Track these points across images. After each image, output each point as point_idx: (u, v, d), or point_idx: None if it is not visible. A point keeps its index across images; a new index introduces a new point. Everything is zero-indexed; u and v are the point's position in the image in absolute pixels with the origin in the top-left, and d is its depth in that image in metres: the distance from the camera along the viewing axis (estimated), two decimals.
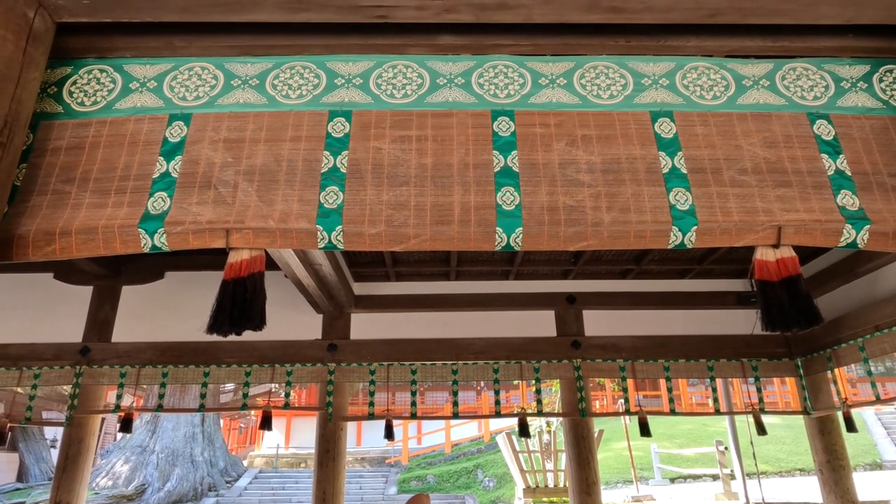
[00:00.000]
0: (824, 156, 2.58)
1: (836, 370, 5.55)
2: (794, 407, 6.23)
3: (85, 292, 6.37)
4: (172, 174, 2.33)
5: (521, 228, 2.29)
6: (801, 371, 6.05)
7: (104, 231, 2.15)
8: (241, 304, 2.19)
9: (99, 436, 20.86)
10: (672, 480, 12.79)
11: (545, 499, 8.55)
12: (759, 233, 2.35)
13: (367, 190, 2.31)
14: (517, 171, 2.39)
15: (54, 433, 17.70)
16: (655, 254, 5.97)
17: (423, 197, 2.30)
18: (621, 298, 6.45)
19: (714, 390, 6.17)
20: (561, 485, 8.59)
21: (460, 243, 2.26)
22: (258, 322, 2.24)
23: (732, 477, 8.26)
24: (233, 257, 2.24)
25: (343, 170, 2.39)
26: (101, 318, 6.23)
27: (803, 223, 2.33)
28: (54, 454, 16.10)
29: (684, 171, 2.46)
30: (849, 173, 2.53)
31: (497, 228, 2.29)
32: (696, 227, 2.35)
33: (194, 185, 2.29)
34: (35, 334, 6.11)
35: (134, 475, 15.92)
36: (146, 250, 2.16)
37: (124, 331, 6.21)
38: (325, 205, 2.32)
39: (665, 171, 2.48)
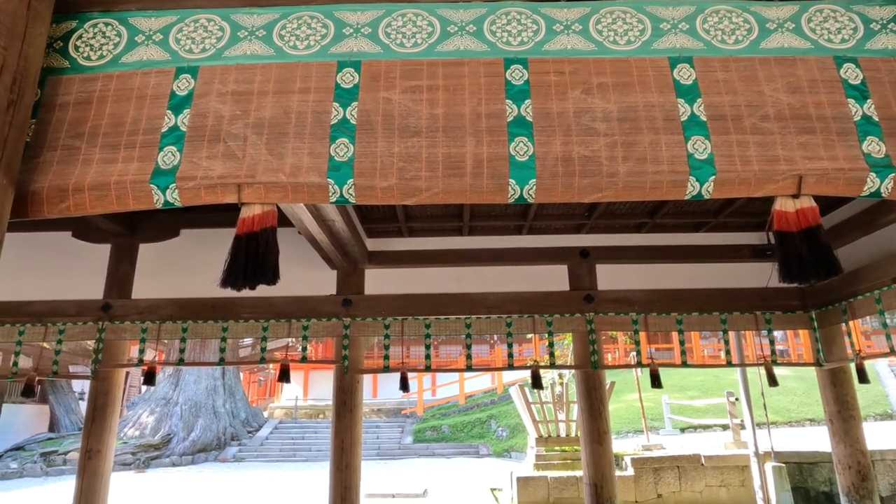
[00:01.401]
0: (851, 101, 2.48)
1: (850, 322, 5.52)
2: (807, 359, 6.25)
3: (103, 250, 6.46)
4: (181, 128, 2.32)
5: (534, 180, 2.25)
6: (816, 324, 6.03)
7: (116, 187, 2.15)
8: (254, 258, 2.20)
9: (124, 389, 21.56)
10: (682, 430, 13.02)
11: (557, 448, 8.76)
12: (779, 182, 2.28)
13: (378, 142, 2.28)
14: (531, 120, 2.33)
15: (82, 386, 18.33)
16: (670, 206, 5.89)
17: (434, 148, 2.27)
18: (635, 252, 6.41)
19: (727, 343, 6.18)
20: (573, 434, 8.78)
21: (473, 196, 2.23)
22: (271, 276, 2.25)
23: (742, 427, 8.37)
24: (245, 212, 2.24)
25: (353, 121, 2.35)
26: (120, 275, 6.34)
27: (826, 172, 2.26)
28: (83, 406, 16.70)
29: (703, 118, 2.38)
30: (876, 119, 2.43)
31: (510, 180, 2.25)
32: (714, 177, 2.29)
33: (203, 138, 2.28)
34: (57, 292, 6.25)
35: (159, 426, 16.52)
36: (159, 206, 2.17)
37: (144, 288, 6.32)
38: (336, 158, 2.30)
39: (683, 118, 2.40)
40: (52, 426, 17.44)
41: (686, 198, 2.28)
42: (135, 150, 2.27)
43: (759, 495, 7.28)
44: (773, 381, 5.85)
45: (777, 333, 6.12)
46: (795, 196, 2.25)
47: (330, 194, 2.24)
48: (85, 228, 6.40)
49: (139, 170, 2.19)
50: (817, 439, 9.05)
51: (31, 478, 13.13)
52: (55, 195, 2.17)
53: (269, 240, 2.22)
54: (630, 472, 7.87)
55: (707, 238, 6.44)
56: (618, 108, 2.37)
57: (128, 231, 6.40)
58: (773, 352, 6.00)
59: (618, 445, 8.00)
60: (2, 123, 2.05)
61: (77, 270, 6.40)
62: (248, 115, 2.36)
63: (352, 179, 2.22)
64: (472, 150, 2.26)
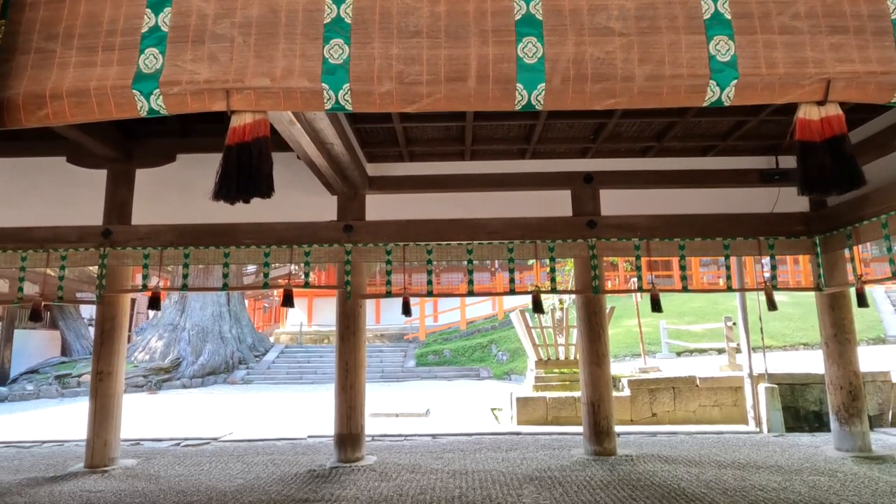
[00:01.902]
0: None
1: (854, 248, 5.50)
2: (806, 284, 6.27)
3: (100, 176, 6.37)
4: (162, 28, 2.16)
5: (543, 84, 2.10)
6: (819, 249, 6.01)
7: (96, 93, 2.04)
8: (246, 170, 2.10)
9: (131, 315, 22.01)
10: (678, 355, 13.34)
11: (556, 370, 8.99)
12: (805, 87, 2.14)
13: (375, 43, 2.13)
14: (540, 18, 2.15)
15: (90, 312, 18.66)
16: (679, 129, 5.73)
17: (436, 49, 2.11)
18: (640, 177, 6.31)
19: (728, 268, 6.19)
20: (572, 358, 8.98)
21: (477, 102, 2.10)
22: (265, 189, 2.16)
23: (738, 350, 8.54)
24: (235, 121, 2.12)
25: (348, 20, 2.19)
26: (118, 201, 6.28)
27: (856, 75, 2.12)
28: (92, 332, 17.03)
29: (728, 16, 2.21)
30: None
31: (517, 85, 2.10)
32: (735, 80, 2.15)
33: (187, 39, 2.13)
34: (57, 218, 6.22)
35: (168, 350, 16.95)
36: (143, 114, 2.05)
37: (143, 214, 6.28)
38: (330, 60, 2.14)
39: (707, 16, 2.23)
40: (64, 351, 17.92)
41: (704, 104, 2.16)
42: (114, 52, 2.12)
43: (750, 414, 7.53)
44: (772, 305, 5.90)
45: (777, 259, 6.11)
46: (821, 103, 2.13)
47: (325, 100, 2.12)
48: (79, 153, 6.27)
49: (120, 74, 2.07)
50: (810, 362, 9.26)
51: (48, 399, 13.63)
52: (32, 102, 2.06)
53: (261, 150, 2.13)
54: (626, 392, 8.11)
55: (714, 162, 6.31)
56: (635, 5, 2.19)
57: (123, 156, 6.28)
58: (773, 277, 6.02)
59: (615, 368, 8.20)
60: None
61: (75, 196, 6.34)
62: (233, 14, 2.19)
63: (347, 84, 2.10)
64: (476, 52, 2.11)
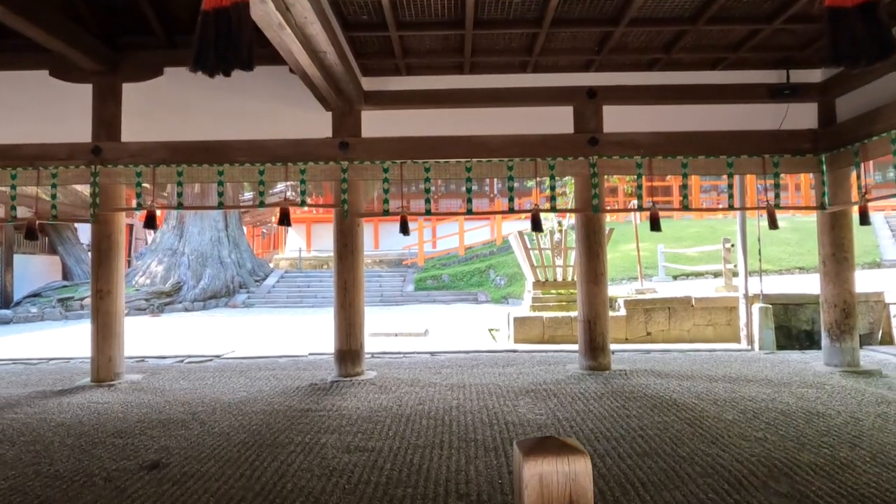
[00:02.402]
0: None
1: (861, 165, 5.39)
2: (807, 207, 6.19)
3: (85, 90, 6.14)
4: None
5: None
6: (825, 167, 5.90)
7: None
8: (225, 37, 1.93)
9: (130, 240, 22.05)
10: (675, 278, 13.48)
11: (553, 291, 9.08)
12: None
13: None
14: None
15: (89, 239, 18.70)
16: (688, 40, 5.47)
17: None
18: (645, 92, 6.09)
19: (730, 187, 6.10)
20: (569, 279, 9.05)
21: None
22: (246, 58, 1.99)
23: (735, 273, 8.59)
24: None
25: None
26: (106, 117, 6.09)
27: None
28: None
29: None
30: None
31: None
32: None
33: None
34: (44, 135, 6.04)
35: (169, 275, 17.09)
36: None
37: (133, 131, 6.10)
38: None
39: None
40: (65, 276, 18.06)
41: None
42: None
43: (743, 333, 7.67)
44: (773, 224, 5.86)
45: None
46: None
47: None
48: (63, 66, 6.01)
49: None
50: (804, 284, 9.35)
51: (52, 321, 13.85)
52: None
53: (241, 17, 1.96)
54: (622, 312, 8.23)
55: (723, 77, 6.08)
56: None
57: (108, 69, 6.03)
58: (776, 195, 5.94)
59: (612, 290, 8.27)
60: None
61: (62, 112, 6.14)
62: None
63: None
64: None
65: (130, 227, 21.43)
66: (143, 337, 9.83)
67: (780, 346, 7.47)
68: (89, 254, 18.50)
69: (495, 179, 24.10)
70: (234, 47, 1.92)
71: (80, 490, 2.99)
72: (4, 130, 6.11)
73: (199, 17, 1.96)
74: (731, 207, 6.19)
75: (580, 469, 0.87)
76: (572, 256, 8.84)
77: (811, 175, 6.19)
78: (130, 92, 6.18)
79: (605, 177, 6.29)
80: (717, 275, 11.96)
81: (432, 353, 7.51)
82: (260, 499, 2.86)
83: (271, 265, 21.96)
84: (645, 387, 5.24)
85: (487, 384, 5.48)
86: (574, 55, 5.84)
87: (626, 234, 14.72)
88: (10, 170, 5.98)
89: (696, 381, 5.44)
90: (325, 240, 22.40)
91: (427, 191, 6.05)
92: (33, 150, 5.99)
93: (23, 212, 6.40)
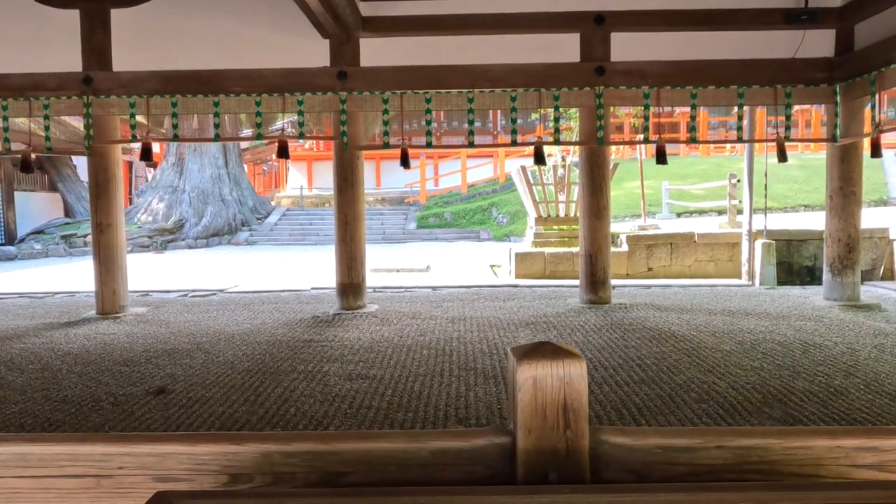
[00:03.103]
0: None
1: (877, 95, 5.21)
2: (816, 146, 6.05)
3: (72, 16, 5.89)
4: None
5: None
6: (839, 97, 5.71)
7: None
8: None
9: (129, 177, 21.88)
10: (678, 215, 13.41)
11: (555, 227, 9.04)
12: None
13: None
14: None
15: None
16: None
17: None
18: (655, 18, 5.83)
19: (740, 118, 5.95)
20: (572, 215, 8.99)
21: None
22: None
23: (739, 210, 8.52)
24: None
25: None
26: (95, 44, 5.87)
27: None
28: None
29: None
30: None
31: None
32: None
33: None
34: (32, 64, 5.86)
35: (170, 212, 17.05)
36: None
37: (124, 60, 5.90)
38: None
39: None
40: (67, 213, 18.03)
41: None
42: None
43: (744, 268, 7.68)
44: (783, 156, 5.74)
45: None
46: None
47: None
48: None
49: None
50: (809, 222, 9.29)
51: (56, 257, 13.94)
52: None
53: None
54: (624, 248, 8.22)
55: (737, 1, 5.79)
56: None
57: None
58: (787, 127, 5.79)
59: (615, 227, 8.22)
60: None
61: (50, 40, 5.94)
62: None
63: None
64: None
65: (129, 164, 21.22)
66: (147, 273, 9.90)
67: (781, 282, 7.49)
68: None
69: (498, 115, 23.61)
70: None
71: (88, 413, 3.06)
72: None
73: None
74: (739, 140, 6.05)
75: (575, 372, 0.84)
76: (575, 192, 8.74)
77: (822, 110, 6.02)
78: (120, 19, 5.92)
79: (612, 110, 6.12)
80: (721, 212, 11.87)
81: (434, 288, 7.56)
82: (263, 422, 2.92)
83: (273, 203, 21.87)
84: (644, 319, 5.29)
85: (488, 317, 5.53)
86: None
87: (630, 172, 14.52)
88: (0, 101, 5.83)
89: (696, 315, 5.49)
90: (326, 178, 22.19)
91: (428, 122, 5.90)
92: (22, 80, 5.82)
93: (16, 146, 6.30)
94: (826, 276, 6.11)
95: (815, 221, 8.09)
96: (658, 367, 3.76)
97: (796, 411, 2.93)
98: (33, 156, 6.05)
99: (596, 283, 6.03)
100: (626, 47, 5.84)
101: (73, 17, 5.91)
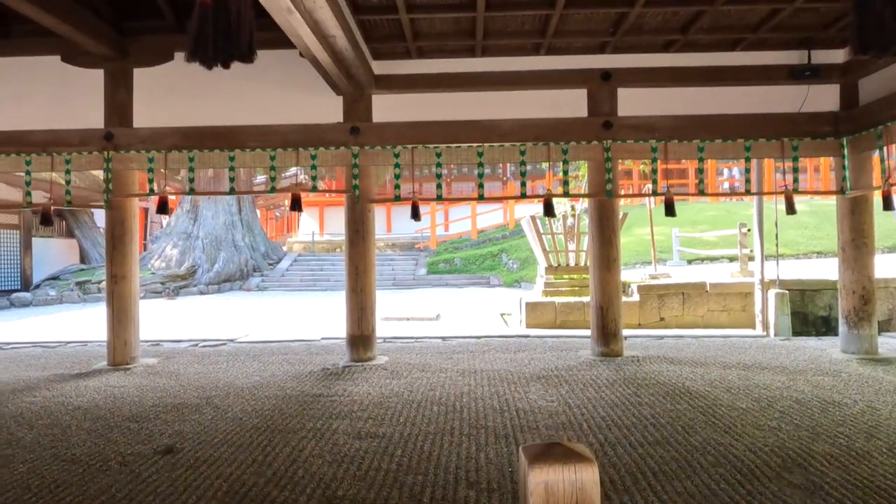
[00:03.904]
0: None
1: (885, 148, 5.25)
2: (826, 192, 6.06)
3: (97, 76, 6.14)
4: None
5: None
6: (846, 150, 5.75)
7: None
8: (224, 28, 1.87)
9: (145, 224, 22.26)
10: (689, 262, 13.33)
11: (566, 276, 9.03)
12: None
13: None
14: None
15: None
16: (706, 20, 5.33)
17: None
18: (661, 74, 5.97)
19: (748, 171, 5.99)
20: (582, 264, 8.99)
21: None
22: (247, 51, 1.92)
23: (751, 258, 8.48)
24: None
25: None
26: (118, 102, 6.09)
27: None
28: None
29: None
30: None
31: None
32: None
33: None
34: (57, 121, 6.07)
35: (184, 258, 17.25)
36: None
37: (144, 116, 6.11)
38: None
39: None
40: (83, 259, 18.29)
41: None
42: None
43: (758, 319, 7.58)
44: (791, 209, 5.75)
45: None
46: None
47: None
48: (73, 52, 6.01)
49: None
50: (822, 269, 9.21)
51: (70, 304, 14.07)
52: None
53: (240, 7, 1.90)
54: (636, 297, 8.17)
55: (741, 58, 5.93)
56: None
57: (119, 54, 6.01)
58: (795, 180, 5.82)
59: (625, 275, 8.20)
60: None
61: (74, 98, 6.15)
62: None
63: None
64: None
65: (145, 210, 21.63)
66: (158, 320, 9.95)
67: (797, 333, 7.38)
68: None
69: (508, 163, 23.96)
70: (234, 40, 1.87)
71: (95, 474, 3.04)
72: (18, 116, 6.14)
73: (195, 9, 1.91)
74: (748, 192, 6.09)
75: (587, 478, 0.84)
76: (585, 241, 8.76)
77: (832, 158, 6.05)
78: (142, 77, 6.16)
79: (620, 160, 6.19)
80: (732, 259, 11.81)
81: (444, 338, 7.52)
82: (272, 485, 2.88)
83: (284, 248, 22.08)
84: (657, 374, 5.21)
85: (499, 370, 5.47)
86: (588, 37, 5.72)
87: (640, 218, 14.56)
88: (24, 156, 6.02)
89: (710, 368, 5.40)
90: (337, 223, 22.44)
91: (438, 175, 6.00)
92: (45, 137, 6.02)
93: (38, 196, 6.46)
94: (842, 328, 6.02)
95: (829, 269, 8.02)
96: (673, 426, 3.68)
97: (817, 477, 2.84)
98: (53, 208, 6.18)
99: (607, 335, 5.97)
100: (633, 102, 5.96)
101: (97, 76, 6.15)
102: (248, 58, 1.92)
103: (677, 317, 8.11)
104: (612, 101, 5.96)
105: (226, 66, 1.94)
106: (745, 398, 4.33)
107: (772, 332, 7.32)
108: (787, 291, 7.41)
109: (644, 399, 4.35)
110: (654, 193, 6.10)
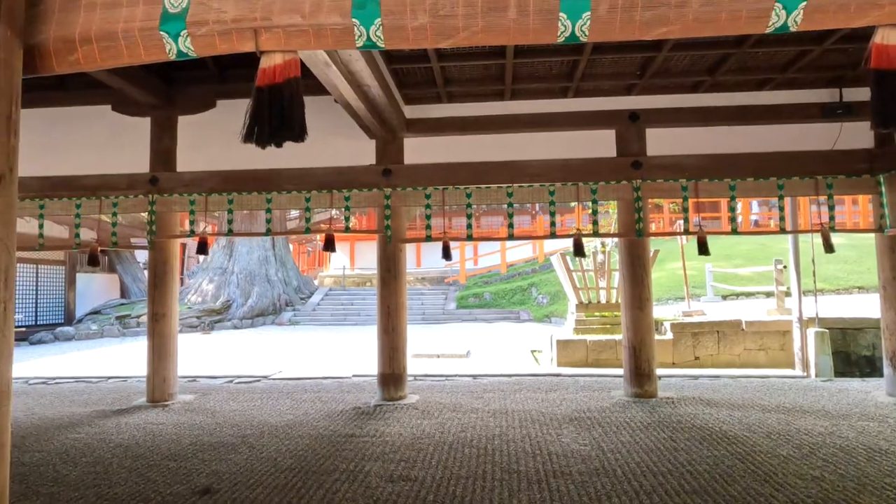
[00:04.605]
0: None
1: None
2: (865, 226, 5.95)
3: (144, 124, 6.48)
4: None
5: (588, 13, 1.91)
6: (883, 188, 5.66)
7: (124, 35, 1.98)
8: (278, 112, 2.03)
9: (183, 259, 22.89)
10: (724, 298, 13.05)
11: (597, 314, 8.95)
12: (884, 7, 1.90)
13: None
14: None
15: (145, 256, 19.51)
16: (733, 62, 5.38)
17: None
18: (689, 114, 6.00)
19: (781, 209, 5.93)
20: (613, 301, 8.91)
21: (517, 35, 1.95)
22: (298, 132, 2.09)
23: (788, 294, 8.29)
24: (265, 62, 2.05)
25: None
26: (163, 148, 6.39)
27: None
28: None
29: None
30: None
31: (560, 14, 1.92)
32: (805, 2, 1.91)
33: None
34: (106, 166, 6.40)
35: (219, 293, 17.65)
36: (172, 57, 2.01)
37: (187, 161, 6.39)
38: None
39: None
40: (123, 293, 18.88)
41: (767, 30, 1.95)
42: None
43: (797, 358, 7.37)
44: (829, 247, 5.65)
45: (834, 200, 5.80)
46: None
47: (356, 37, 2.01)
48: (123, 101, 6.37)
49: (146, 15, 2.01)
50: (864, 306, 8.93)
51: (111, 338, 14.49)
52: (62, 47, 2.03)
53: (293, 92, 2.05)
54: (669, 336, 8.04)
55: (771, 97, 5.94)
56: None
57: (165, 103, 6.35)
58: (831, 217, 5.73)
59: (658, 311, 8.10)
60: None
61: (122, 145, 6.48)
62: None
63: (379, 18, 1.98)
64: None
65: (183, 246, 22.27)
66: (195, 354, 10.17)
67: (839, 373, 7.14)
68: (145, 272, 19.28)
69: None
70: (286, 122, 2.01)
71: None
72: (70, 161, 6.50)
73: (252, 95, 2.06)
74: (782, 231, 6.00)
75: None
76: (616, 278, 8.71)
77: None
78: (185, 124, 6.48)
79: (650, 199, 6.19)
80: (769, 294, 11.53)
81: (474, 377, 7.50)
82: None
83: (316, 283, 22.38)
84: (693, 417, 5.10)
85: (530, 410, 5.43)
86: (616, 80, 5.82)
87: (672, 252, 14.37)
88: (74, 199, 6.34)
89: (748, 411, 5.26)
90: (368, 256, 22.72)
91: (469, 216, 6.10)
92: (96, 181, 6.34)
93: (85, 234, 6.76)
94: (887, 370, 5.82)
95: (871, 305, 7.78)
96: (710, 474, 3.60)
97: None
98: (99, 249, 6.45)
99: (641, 375, 5.89)
100: (661, 142, 5.99)
101: (144, 123, 6.49)
102: (299, 138, 2.06)
103: (712, 356, 7.94)
104: (641, 140, 6.01)
105: (279, 145, 2.08)
106: (786, 444, 4.21)
107: (812, 372, 7.10)
108: (826, 330, 7.20)
109: (680, 444, 4.27)
110: (686, 232, 6.07)
